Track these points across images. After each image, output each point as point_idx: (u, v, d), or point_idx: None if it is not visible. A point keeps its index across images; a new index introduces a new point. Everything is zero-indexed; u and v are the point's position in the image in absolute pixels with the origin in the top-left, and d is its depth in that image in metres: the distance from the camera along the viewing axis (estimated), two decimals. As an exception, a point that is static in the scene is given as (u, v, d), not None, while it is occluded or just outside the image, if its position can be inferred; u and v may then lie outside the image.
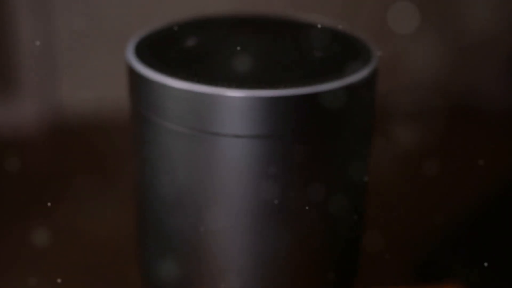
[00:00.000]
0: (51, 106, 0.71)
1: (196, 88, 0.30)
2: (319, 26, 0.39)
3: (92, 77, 0.71)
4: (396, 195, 0.58)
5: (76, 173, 0.63)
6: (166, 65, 0.32)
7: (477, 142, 0.68)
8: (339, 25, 0.38)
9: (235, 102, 0.30)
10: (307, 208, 0.32)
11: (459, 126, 0.71)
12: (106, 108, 0.71)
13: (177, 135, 0.31)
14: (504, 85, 0.77)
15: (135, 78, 0.33)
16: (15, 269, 0.50)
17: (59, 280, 0.48)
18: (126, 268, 0.49)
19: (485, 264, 0.47)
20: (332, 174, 0.32)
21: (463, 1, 0.74)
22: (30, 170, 0.63)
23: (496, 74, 0.78)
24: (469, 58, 0.77)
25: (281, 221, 0.32)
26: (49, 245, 0.53)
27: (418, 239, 0.52)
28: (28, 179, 0.61)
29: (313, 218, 0.33)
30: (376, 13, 0.72)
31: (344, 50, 0.35)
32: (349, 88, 0.31)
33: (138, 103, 0.33)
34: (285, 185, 0.32)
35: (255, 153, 0.31)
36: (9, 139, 0.67)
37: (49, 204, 0.57)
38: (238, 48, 0.35)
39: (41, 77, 0.70)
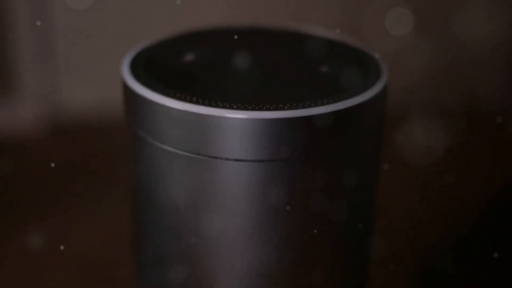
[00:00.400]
0: (51, 107, 0.70)
1: (195, 109, 0.29)
2: (325, 38, 0.37)
3: (93, 77, 0.70)
4: (397, 198, 0.57)
5: (76, 174, 0.62)
6: (163, 83, 0.31)
7: (479, 144, 0.67)
8: (346, 37, 0.36)
9: (237, 124, 0.28)
10: (315, 232, 0.31)
11: (461, 127, 0.70)
12: (107, 109, 0.70)
13: (175, 157, 0.30)
14: (504, 86, 0.75)
15: (130, 96, 0.31)
16: (13, 270, 0.49)
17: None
18: (126, 270, 0.48)
19: (490, 272, 0.46)
20: (340, 195, 0.31)
21: (464, 3, 0.72)
22: (29, 171, 0.62)
23: (497, 75, 0.76)
24: (470, 59, 0.75)
25: (286, 249, 0.31)
26: (49, 246, 0.52)
27: (420, 245, 0.51)
28: (27, 181, 0.60)
29: (320, 241, 0.31)
30: (377, 14, 0.70)
31: (353, 65, 0.33)
32: (357, 108, 0.30)
33: (134, 123, 0.31)
34: (290, 211, 0.30)
35: (257, 177, 0.29)
36: (8, 140, 0.66)
37: (47, 205, 0.56)
38: (239, 63, 0.33)
39: (40, 78, 0.69)
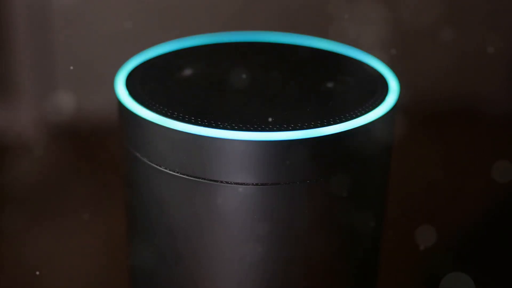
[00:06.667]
0: (49, 110, 0.70)
1: (194, 130, 0.27)
2: (331, 52, 0.35)
3: (90, 81, 0.69)
4: (398, 200, 0.56)
5: (74, 177, 0.62)
6: (159, 101, 0.29)
7: (482, 146, 0.66)
8: (354, 50, 0.35)
9: (238, 146, 0.27)
10: (319, 257, 0.29)
11: (464, 129, 0.69)
12: (105, 111, 0.69)
13: (173, 180, 0.28)
14: (507, 89, 0.75)
15: (125, 115, 0.29)
16: (13, 270, 0.50)
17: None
18: (124, 273, 0.47)
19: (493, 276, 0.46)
20: (346, 219, 0.29)
21: (466, 4, 0.72)
22: (27, 173, 0.61)
23: (499, 77, 0.75)
24: (473, 61, 0.75)
25: (289, 275, 0.29)
26: (48, 249, 0.51)
27: (420, 246, 0.51)
28: (25, 183, 0.60)
29: (326, 267, 0.30)
30: (378, 16, 0.69)
31: (360, 82, 0.32)
32: (364, 128, 0.28)
33: (130, 142, 0.30)
34: (294, 236, 0.28)
35: (260, 202, 0.28)
36: (6, 142, 0.66)
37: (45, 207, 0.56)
38: (239, 80, 0.32)
39: (39, 81, 0.69)
